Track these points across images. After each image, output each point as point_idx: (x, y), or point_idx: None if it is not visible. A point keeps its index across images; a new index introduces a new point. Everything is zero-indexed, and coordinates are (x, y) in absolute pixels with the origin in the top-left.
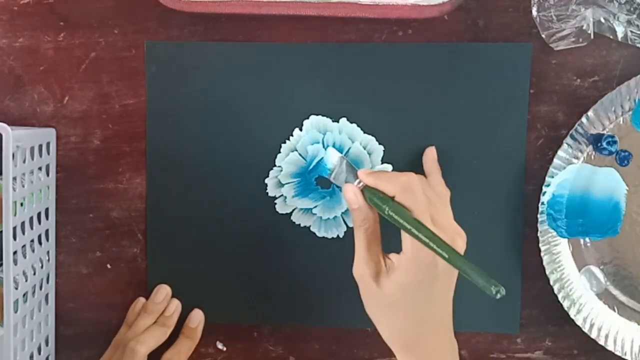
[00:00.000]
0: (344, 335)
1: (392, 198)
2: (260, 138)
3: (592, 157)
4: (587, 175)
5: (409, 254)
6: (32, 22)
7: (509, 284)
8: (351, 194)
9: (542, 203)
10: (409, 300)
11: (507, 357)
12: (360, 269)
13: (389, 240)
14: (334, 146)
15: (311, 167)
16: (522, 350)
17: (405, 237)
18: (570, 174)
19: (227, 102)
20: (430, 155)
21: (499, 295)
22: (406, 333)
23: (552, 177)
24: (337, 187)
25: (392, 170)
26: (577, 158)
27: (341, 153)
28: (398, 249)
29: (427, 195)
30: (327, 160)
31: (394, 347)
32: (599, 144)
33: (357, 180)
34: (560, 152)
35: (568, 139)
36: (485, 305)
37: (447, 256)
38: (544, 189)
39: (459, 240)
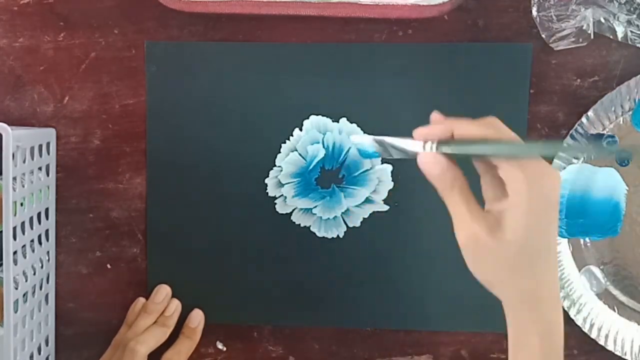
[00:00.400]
0: (344, 335)
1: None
2: (260, 138)
3: (592, 157)
4: (587, 175)
5: (519, 192)
6: (32, 22)
7: None
8: (429, 161)
9: None
10: (535, 238)
11: (507, 357)
12: (470, 229)
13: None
14: (333, 146)
15: (343, 160)
16: None
17: (512, 175)
18: (570, 174)
19: (227, 102)
20: (437, 117)
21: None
22: (529, 268)
23: None
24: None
25: (392, 170)
26: (577, 158)
27: (341, 153)
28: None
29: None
30: (368, 147)
31: (493, 287)
32: (599, 144)
33: (426, 143)
34: (560, 152)
35: (568, 139)
36: (486, 305)
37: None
38: None
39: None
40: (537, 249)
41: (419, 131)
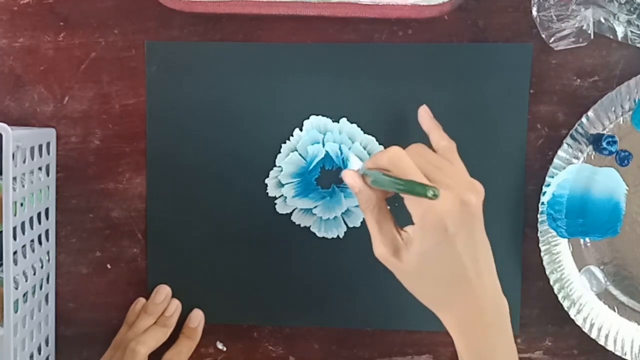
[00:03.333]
0: (344, 335)
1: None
2: (261, 138)
3: (592, 157)
4: (587, 175)
5: (417, 221)
6: (32, 22)
7: (509, 284)
8: (349, 178)
9: (542, 203)
10: (433, 265)
11: None
12: (378, 249)
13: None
14: (333, 146)
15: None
16: (522, 350)
17: (410, 206)
18: (571, 174)
19: (227, 102)
20: (425, 114)
21: (432, 195)
22: (441, 295)
23: (552, 177)
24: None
25: None
26: (577, 158)
27: (342, 153)
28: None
29: (427, 160)
30: (350, 167)
31: (433, 308)
32: (599, 144)
33: (360, 167)
34: (560, 152)
35: (568, 139)
36: None
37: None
38: (544, 188)
39: (468, 194)
40: (443, 274)
41: (367, 160)
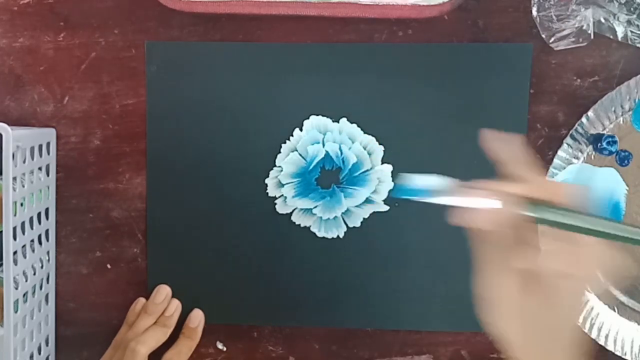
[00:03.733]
0: (344, 335)
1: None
2: (261, 138)
3: (592, 157)
4: (587, 175)
5: (551, 261)
6: (32, 22)
7: None
8: (489, 216)
9: None
10: (531, 309)
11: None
12: (505, 283)
13: None
14: (333, 146)
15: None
16: None
17: (545, 245)
18: (570, 174)
19: (227, 102)
20: (496, 138)
21: None
22: (521, 337)
23: (552, 177)
24: None
25: (392, 170)
26: (577, 158)
27: (342, 153)
28: None
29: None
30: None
31: (506, 346)
32: (599, 144)
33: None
34: (560, 152)
35: (568, 139)
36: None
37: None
38: None
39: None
40: (535, 319)
41: (483, 185)
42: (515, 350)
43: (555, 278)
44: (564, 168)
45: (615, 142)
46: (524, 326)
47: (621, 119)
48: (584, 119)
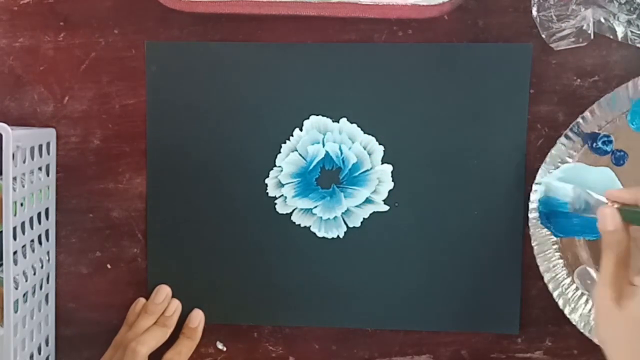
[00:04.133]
0: (344, 335)
1: None
2: (261, 138)
3: (588, 156)
4: (582, 174)
5: None
6: (32, 22)
7: (509, 284)
8: (609, 216)
9: (532, 202)
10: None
11: (507, 357)
12: (603, 290)
13: None
14: (333, 146)
15: (547, 208)
16: (522, 350)
17: None
18: (564, 172)
19: (227, 102)
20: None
21: None
22: (617, 350)
23: (545, 175)
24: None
25: (392, 170)
26: (572, 157)
27: (342, 153)
28: None
29: None
30: (561, 195)
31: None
32: (595, 144)
33: (610, 202)
34: (553, 151)
35: (562, 139)
36: (485, 305)
37: None
38: (534, 187)
39: None
40: None
41: (610, 192)
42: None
43: None
44: (557, 167)
45: (610, 142)
46: (618, 338)
47: (617, 119)
48: (580, 119)
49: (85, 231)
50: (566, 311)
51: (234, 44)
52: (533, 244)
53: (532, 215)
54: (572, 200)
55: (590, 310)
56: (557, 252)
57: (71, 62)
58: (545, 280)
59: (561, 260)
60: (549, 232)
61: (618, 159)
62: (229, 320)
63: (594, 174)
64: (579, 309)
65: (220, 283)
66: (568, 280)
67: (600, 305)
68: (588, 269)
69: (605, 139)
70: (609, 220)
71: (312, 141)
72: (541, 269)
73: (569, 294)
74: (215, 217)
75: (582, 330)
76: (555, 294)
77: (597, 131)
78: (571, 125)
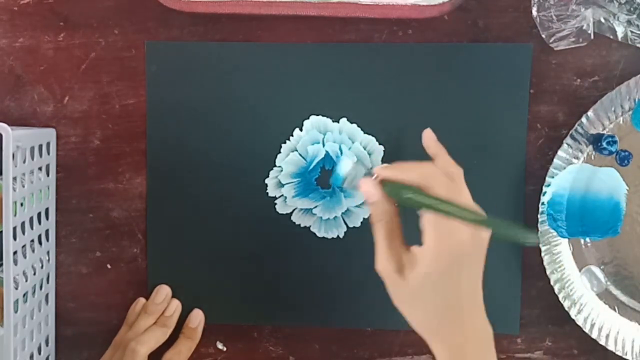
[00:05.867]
0: (344, 335)
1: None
2: (261, 138)
3: (592, 157)
4: (588, 175)
5: (431, 245)
6: (32, 22)
7: (509, 284)
8: (369, 186)
9: (543, 203)
10: (435, 290)
11: (507, 357)
12: (382, 264)
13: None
14: (334, 146)
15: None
16: (522, 350)
17: (426, 229)
18: (571, 174)
19: (227, 102)
20: (430, 138)
21: (533, 243)
22: (434, 321)
23: (553, 177)
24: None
25: None
26: (577, 158)
27: (342, 153)
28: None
29: (439, 185)
30: (340, 170)
31: (423, 334)
32: (599, 144)
33: (374, 176)
34: (560, 152)
35: (568, 139)
36: (485, 305)
37: (482, 219)
38: (544, 189)
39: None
40: (442, 300)
41: (377, 168)
42: (415, 327)
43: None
44: (564, 168)
45: (615, 142)
46: (410, 305)
47: (621, 119)
48: (584, 119)
49: (85, 231)
50: (572, 313)
51: (234, 44)
52: (540, 245)
53: (541, 217)
54: (347, 175)
55: (592, 310)
56: (563, 253)
57: (71, 62)
58: (552, 281)
59: (567, 261)
60: (555, 233)
61: (622, 159)
62: (229, 320)
63: (600, 174)
64: (584, 310)
65: (220, 283)
66: (574, 281)
67: (385, 279)
68: (594, 269)
69: (610, 139)
70: (370, 192)
71: (312, 141)
72: (548, 270)
73: (574, 295)
74: (215, 217)
75: (587, 332)
76: (561, 296)
77: (601, 131)
78: (576, 126)
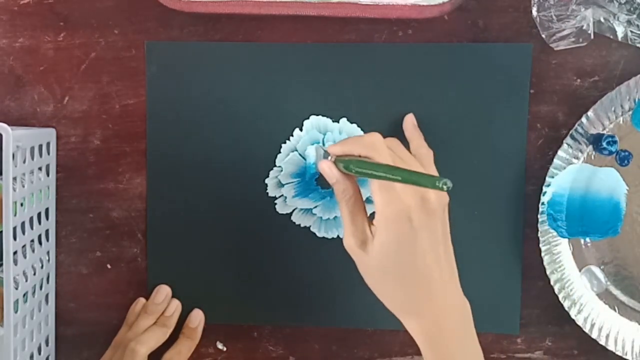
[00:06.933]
0: (344, 335)
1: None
2: (261, 138)
3: (592, 157)
4: (587, 175)
5: (379, 212)
6: (32, 22)
7: (509, 284)
8: (325, 168)
9: (543, 203)
10: (397, 261)
11: (507, 357)
12: (348, 240)
13: None
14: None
15: (307, 173)
16: (522, 350)
17: (374, 197)
18: (571, 174)
19: (227, 102)
20: (409, 122)
21: (445, 188)
22: (402, 296)
23: (553, 177)
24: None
25: None
26: (577, 158)
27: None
28: None
29: (399, 156)
30: (309, 159)
31: (395, 312)
32: (599, 144)
33: (330, 156)
34: (560, 152)
35: (568, 139)
36: (485, 305)
37: (398, 178)
38: (544, 189)
39: (429, 192)
40: (405, 272)
41: (329, 147)
42: (388, 305)
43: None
44: (564, 168)
45: (615, 142)
46: (377, 279)
47: (621, 119)
48: (583, 119)
49: (85, 231)
50: (572, 313)
51: (234, 44)
52: (541, 245)
53: (541, 217)
54: (315, 161)
55: (592, 310)
56: (563, 253)
57: (71, 62)
58: (552, 281)
59: (567, 261)
60: (555, 233)
61: (622, 159)
62: (229, 320)
63: (600, 174)
64: (584, 310)
65: (220, 283)
66: (574, 281)
67: (352, 255)
68: (594, 269)
69: (610, 139)
70: (326, 172)
71: (312, 141)
72: (548, 270)
73: (574, 295)
74: (215, 217)
75: (587, 332)
76: (561, 296)
77: (601, 131)
78: (576, 126)
